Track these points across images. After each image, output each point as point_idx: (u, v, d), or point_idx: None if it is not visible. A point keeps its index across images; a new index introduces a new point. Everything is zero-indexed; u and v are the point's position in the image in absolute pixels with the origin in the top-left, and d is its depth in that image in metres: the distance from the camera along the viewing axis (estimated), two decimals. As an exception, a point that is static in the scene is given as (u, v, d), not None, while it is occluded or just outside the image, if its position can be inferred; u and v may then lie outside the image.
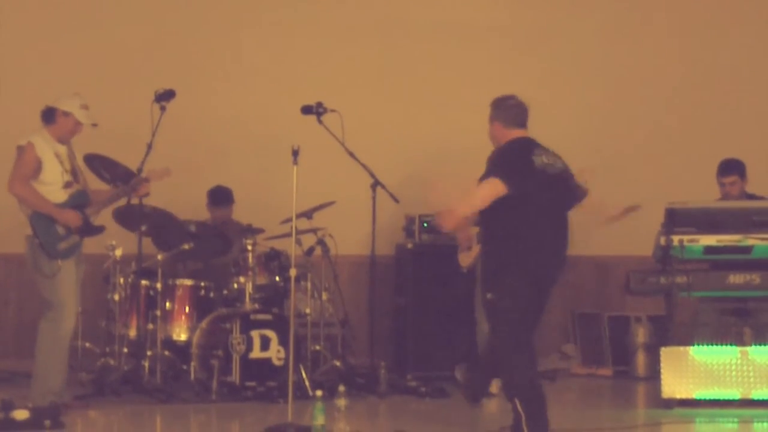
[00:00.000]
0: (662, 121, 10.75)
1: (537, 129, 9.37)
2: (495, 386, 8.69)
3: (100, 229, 7.99)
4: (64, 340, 7.73)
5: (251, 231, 9.01)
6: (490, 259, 6.97)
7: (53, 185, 7.73)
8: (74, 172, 7.88)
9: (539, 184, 6.81)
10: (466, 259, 8.87)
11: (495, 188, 6.74)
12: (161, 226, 8.76)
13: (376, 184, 8.92)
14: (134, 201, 8.27)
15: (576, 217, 9.98)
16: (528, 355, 6.84)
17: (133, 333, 8.74)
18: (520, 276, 6.78)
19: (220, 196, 9.70)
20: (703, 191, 8.95)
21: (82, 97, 7.89)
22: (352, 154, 8.78)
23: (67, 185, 7.79)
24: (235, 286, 8.82)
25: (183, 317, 8.81)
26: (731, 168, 8.78)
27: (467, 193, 6.87)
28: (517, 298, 6.77)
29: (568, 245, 7.01)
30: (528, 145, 6.97)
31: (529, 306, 6.83)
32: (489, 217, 6.90)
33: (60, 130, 7.82)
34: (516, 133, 7.03)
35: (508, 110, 7.08)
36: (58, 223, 7.70)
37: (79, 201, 7.84)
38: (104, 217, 8.47)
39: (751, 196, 8.79)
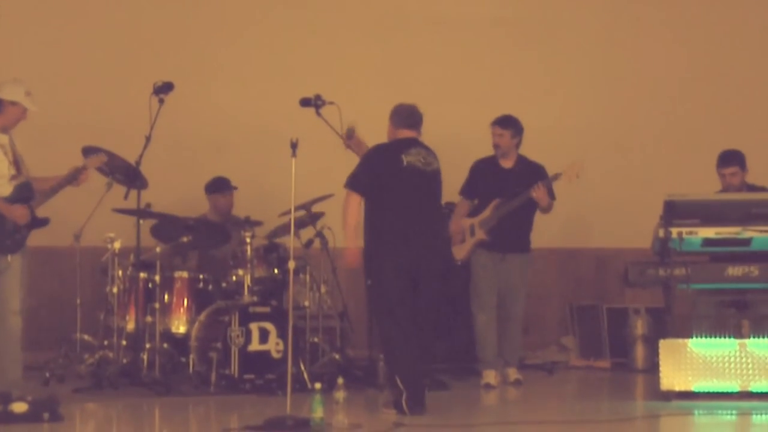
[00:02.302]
0: (661, 113, 10.73)
1: (538, 121, 9.41)
2: (493, 377, 8.70)
3: (45, 221, 7.73)
4: (14, 333, 7.55)
5: (249, 224, 8.99)
6: (364, 248, 7.57)
7: (0, 179, 7.51)
8: (17, 163, 7.62)
9: (400, 180, 7.47)
10: (460, 251, 8.87)
11: (351, 199, 7.51)
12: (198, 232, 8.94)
13: (374, 176, 8.88)
14: (131, 196, 8.26)
15: (576, 210, 10.07)
16: (402, 334, 7.40)
17: (131, 326, 8.71)
18: (382, 262, 7.45)
19: (219, 182, 9.70)
20: (703, 183, 8.93)
21: (24, 82, 7.61)
22: (350, 147, 8.75)
23: (12, 177, 7.54)
24: (234, 278, 8.80)
25: (182, 310, 8.81)
26: (731, 159, 8.74)
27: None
28: (381, 283, 7.46)
29: (439, 235, 7.75)
30: (398, 145, 7.60)
31: (395, 290, 7.42)
32: (365, 209, 7.60)
33: (6, 120, 7.57)
34: (402, 133, 7.66)
35: (399, 114, 7.72)
36: (6, 218, 7.49)
37: (25, 194, 7.60)
38: (100, 210, 8.48)
39: (752, 187, 8.75)
